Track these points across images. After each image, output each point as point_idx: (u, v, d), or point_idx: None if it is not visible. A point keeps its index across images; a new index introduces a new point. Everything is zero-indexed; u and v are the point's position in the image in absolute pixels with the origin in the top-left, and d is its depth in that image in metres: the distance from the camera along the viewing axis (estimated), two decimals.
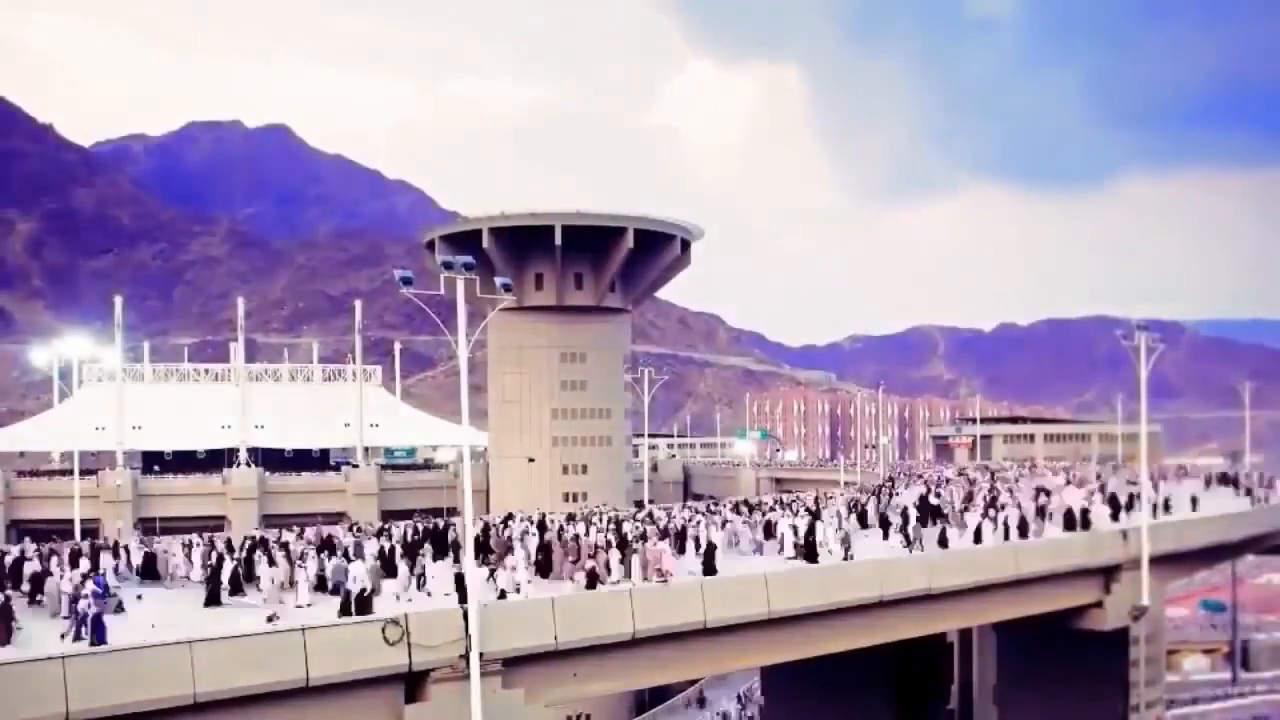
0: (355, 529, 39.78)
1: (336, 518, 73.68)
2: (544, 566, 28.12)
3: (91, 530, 72.22)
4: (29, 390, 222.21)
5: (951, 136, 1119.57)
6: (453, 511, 66.97)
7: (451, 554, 29.11)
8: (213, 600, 24.28)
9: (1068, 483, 49.91)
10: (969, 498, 43.50)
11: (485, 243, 79.49)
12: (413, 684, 22.55)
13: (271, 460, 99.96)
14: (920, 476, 64.82)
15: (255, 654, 20.59)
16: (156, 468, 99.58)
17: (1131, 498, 41.13)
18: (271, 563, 25.64)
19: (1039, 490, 45.47)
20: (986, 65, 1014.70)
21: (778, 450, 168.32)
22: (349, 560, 25.93)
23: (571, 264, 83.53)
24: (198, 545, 30.55)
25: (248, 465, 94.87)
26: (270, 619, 21.89)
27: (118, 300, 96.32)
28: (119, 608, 22.71)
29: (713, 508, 44.64)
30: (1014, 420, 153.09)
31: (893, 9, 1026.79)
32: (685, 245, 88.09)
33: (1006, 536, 35.76)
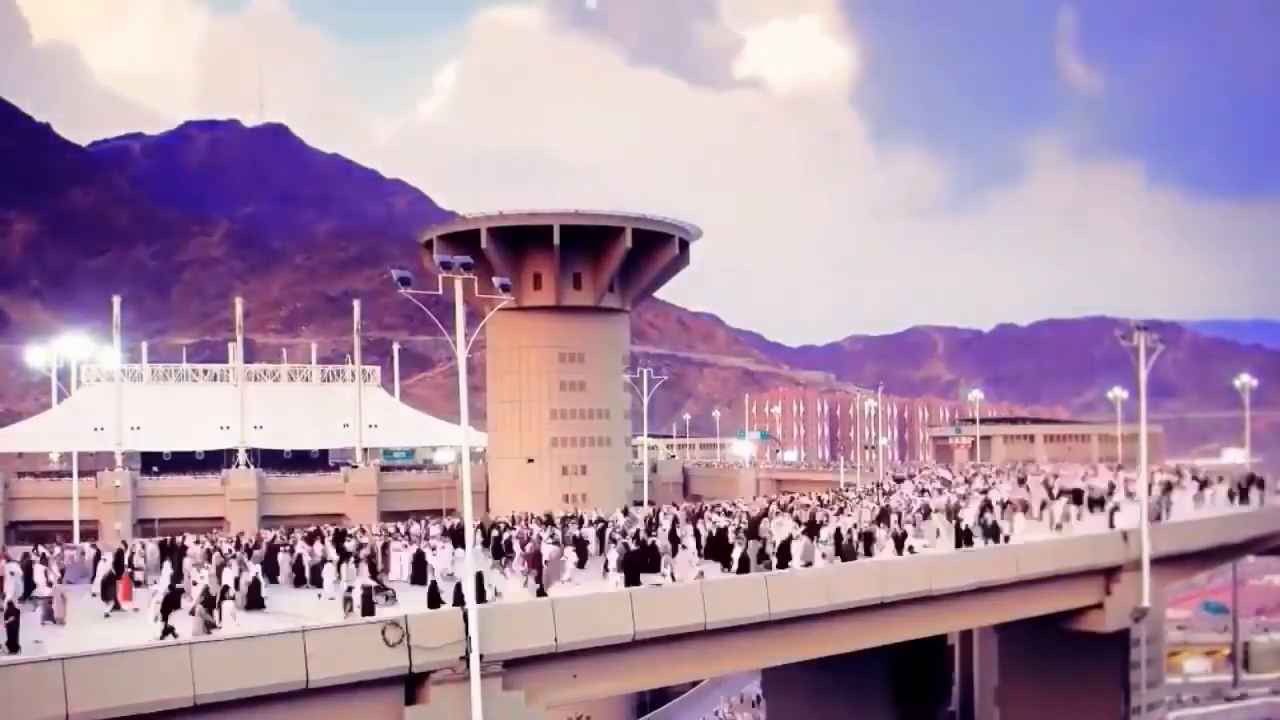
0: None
1: (335, 519, 73.70)
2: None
3: (90, 531, 72.37)
4: (27, 391, 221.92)
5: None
6: (452, 512, 67.13)
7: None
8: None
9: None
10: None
11: (483, 242, 79.45)
12: (412, 686, 22.50)
13: (270, 461, 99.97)
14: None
15: (255, 655, 20.55)
16: (155, 468, 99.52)
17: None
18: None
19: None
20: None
21: (777, 451, 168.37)
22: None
23: (570, 264, 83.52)
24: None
25: (247, 466, 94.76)
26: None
27: (116, 300, 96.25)
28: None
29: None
30: (1014, 421, 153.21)
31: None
32: (684, 245, 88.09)
33: None
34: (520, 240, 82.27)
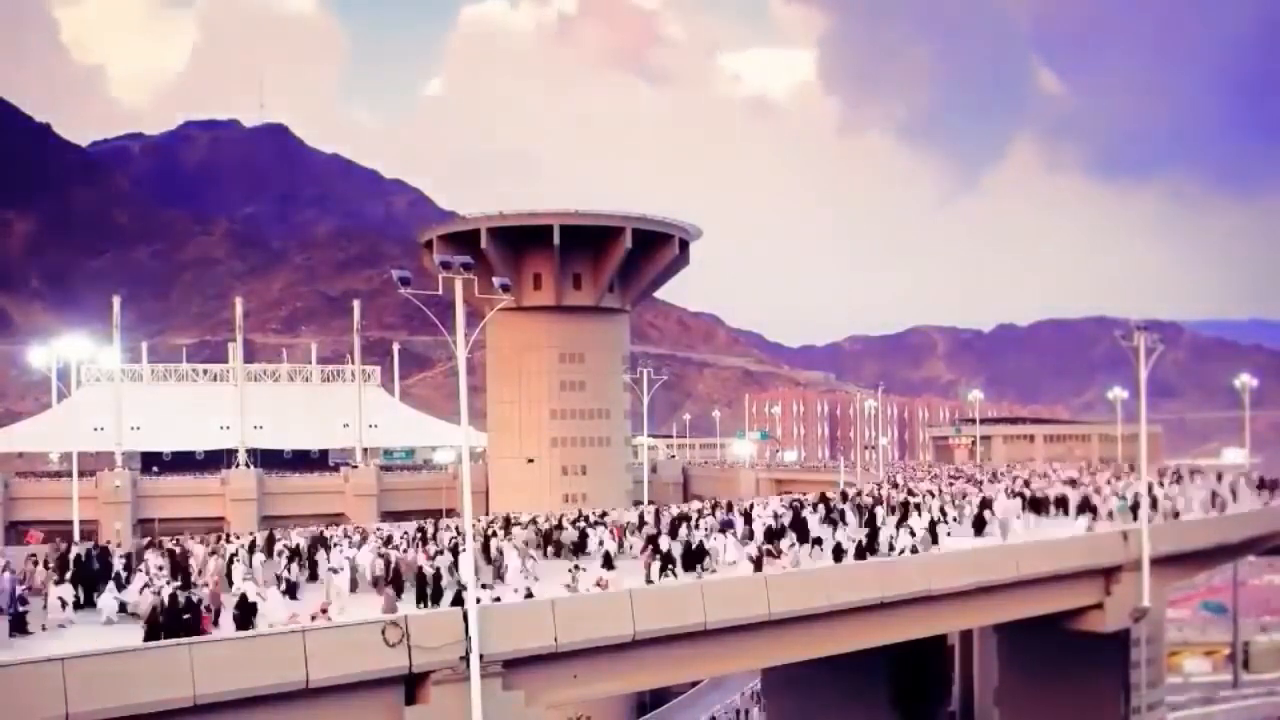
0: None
1: (335, 519, 73.71)
2: None
3: (90, 532, 72.34)
4: (27, 391, 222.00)
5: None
6: (451, 512, 67.07)
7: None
8: None
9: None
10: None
11: (483, 242, 79.39)
12: (412, 685, 22.48)
13: (270, 461, 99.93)
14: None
15: (255, 655, 20.53)
16: (155, 468, 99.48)
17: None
18: None
19: None
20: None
21: (777, 451, 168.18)
22: None
23: (570, 264, 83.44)
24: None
25: (247, 466, 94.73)
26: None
27: (116, 300, 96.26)
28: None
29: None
30: (1014, 421, 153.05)
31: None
32: (684, 245, 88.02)
33: None
34: (520, 240, 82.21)
